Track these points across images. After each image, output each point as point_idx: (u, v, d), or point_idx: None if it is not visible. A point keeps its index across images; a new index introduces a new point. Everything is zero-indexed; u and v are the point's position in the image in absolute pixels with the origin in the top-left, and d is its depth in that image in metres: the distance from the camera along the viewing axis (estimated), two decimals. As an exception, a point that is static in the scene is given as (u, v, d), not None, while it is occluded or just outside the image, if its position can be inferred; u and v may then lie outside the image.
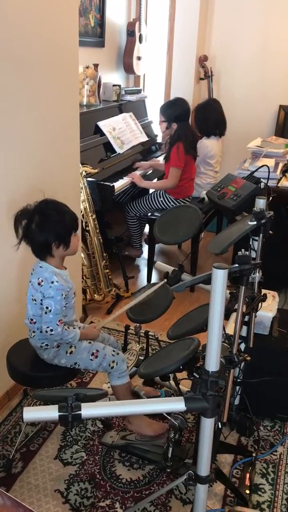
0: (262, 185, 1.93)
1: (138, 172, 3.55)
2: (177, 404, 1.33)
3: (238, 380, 2.02)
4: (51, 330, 1.80)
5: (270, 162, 3.09)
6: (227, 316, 1.99)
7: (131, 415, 2.03)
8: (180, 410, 1.33)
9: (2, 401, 2.28)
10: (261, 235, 1.80)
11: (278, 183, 3.06)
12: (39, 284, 1.81)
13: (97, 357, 1.92)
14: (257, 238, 1.84)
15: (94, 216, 2.96)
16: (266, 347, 2.13)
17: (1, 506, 1.09)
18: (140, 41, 4.10)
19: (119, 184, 3.25)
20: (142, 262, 3.88)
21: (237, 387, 2.12)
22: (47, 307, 1.80)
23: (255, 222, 1.69)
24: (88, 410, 1.24)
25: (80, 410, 1.22)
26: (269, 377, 2.09)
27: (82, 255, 2.97)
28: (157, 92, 4.75)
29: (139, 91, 4.27)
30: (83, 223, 2.92)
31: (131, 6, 4.18)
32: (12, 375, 1.97)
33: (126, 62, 4.11)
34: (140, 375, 1.66)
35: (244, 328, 1.96)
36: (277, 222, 1.89)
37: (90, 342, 1.95)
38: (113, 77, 4.09)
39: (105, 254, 3.09)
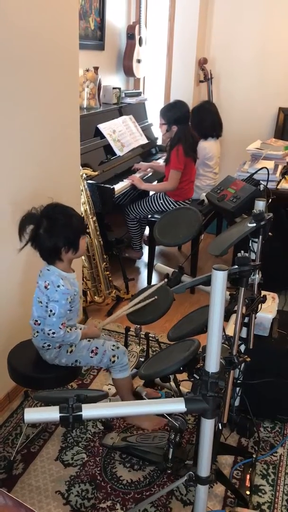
0: (261, 187, 1.94)
1: (138, 175, 3.56)
2: (178, 405, 1.33)
3: (238, 381, 2.02)
4: (53, 333, 1.81)
5: (270, 164, 3.10)
6: (227, 318, 2.00)
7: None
8: (181, 411, 1.33)
9: (3, 403, 2.29)
10: (260, 236, 1.81)
11: (277, 185, 3.07)
12: (45, 287, 1.82)
13: (96, 354, 1.93)
14: (256, 239, 1.85)
15: (94, 218, 2.97)
16: (266, 348, 2.14)
17: (3, 506, 1.09)
18: (140, 44, 4.11)
19: (119, 187, 3.26)
20: (142, 264, 3.89)
21: (237, 389, 2.13)
22: (51, 310, 1.81)
23: (254, 224, 1.70)
24: (89, 411, 1.25)
25: (81, 411, 1.23)
26: (269, 378, 2.09)
27: (83, 257, 2.98)
28: (157, 95, 4.76)
29: (139, 94, 4.28)
30: (84, 225, 2.93)
31: (130, 9, 4.19)
32: (13, 377, 1.98)
33: (126, 65, 4.12)
34: (140, 377, 1.66)
35: (244, 329, 1.97)
36: (277, 224, 1.90)
37: (89, 340, 1.96)
38: (113, 80, 4.10)
39: (105, 256, 3.10)
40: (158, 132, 3.98)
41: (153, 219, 3.44)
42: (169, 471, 1.97)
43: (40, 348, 1.93)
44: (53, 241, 1.77)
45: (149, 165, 3.74)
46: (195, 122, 3.74)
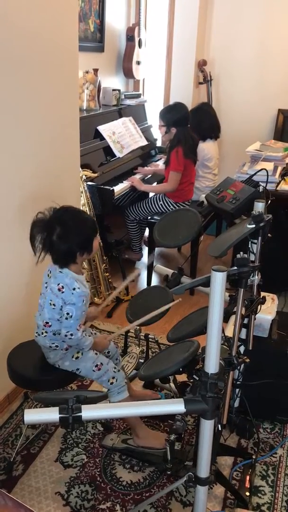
0: (260, 188, 1.94)
1: (137, 176, 3.57)
2: (177, 406, 1.34)
3: (238, 382, 2.02)
4: (71, 334, 1.80)
5: (269, 166, 3.10)
6: (226, 319, 2.00)
7: (136, 429, 2.05)
8: (180, 412, 1.34)
9: (3, 404, 2.29)
10: (259, 238, 1.81)
11: (277, 186, 3.08)
12: (59, 290, 1.79)
13: (99, 370, 1.92)
14: (256, 241, 1.85)
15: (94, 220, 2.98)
16: (265, 349, 2.14)
17: (3, 507, 1.10)
18: (140, 45, 4.12)
19: (119, 188, 3.26)
20: (142, 265, 3.89)
21: (237, 390, 2.13)
22: (68, 313, 1.79)
23: (253, 225, 1.70)
24: (89, 412, 1.25)
25: (81, 412, 1.23)
26: (268, 379, 2.09)
27: (82, 258, 2.98)
28: (157, 97, 4.77)
29: (138, 96, 4.29)
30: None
31: (130, 11, 4.20)
32: (13, 378, 1.98)
33: (126, 66, 4.13)
34: (140, 378, 1.67)
35: (244, 330, 1.97)
36: (276, 225, 1.90)
37: (96, 353, 1.96)
38: (112, 81, 4.11)
39: (105, 258, 3.10)
40: (158, 134, 3.98)
41: (152, 220, 3.44)
42: (168, 472, 1.97)
43: (46, 347, 1.91)
44: (68, 246, 1.74)
45: (151, 171, 3.74)
46: (193, 123, 3.75)
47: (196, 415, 2.03)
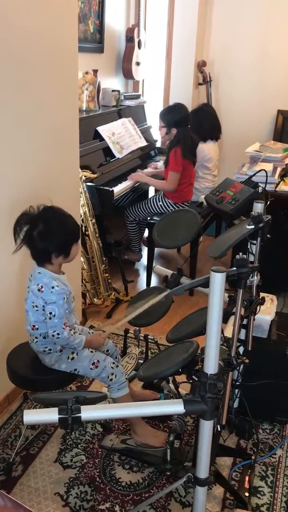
0: (260, 189, 1.95)
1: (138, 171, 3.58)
2: (176, 407, 1.34)
3: (237, 383, 2.03)
4: (58, 334, 1.81)
5: (268, 167, 3.11)
6: (225, 319, 2.00)
7: (136, 426, 2.06)
8: (179, 412, 1.34)
9: (2, 405, 2.29)
10: (259, 238, 1.82)
11: (276, 187, 3.08)
12: (39, 290, 1.81)
13: (97, 367, 1.93)
14: (255, 241, 1.85)
15: (93, 221, 2.98)
16: (264, 350, 2.14)
17: (2, 507, 1.10)
18: (139, 46, 4.13)
19: (119, 189, 3.26)
20: (142, 266, 3.90)
21: (236, 390, 2.14)
22: (50, 313, 1.80)
23: (253, 226, 1.70)
24: (88, 412, 1.25)
25: (80, 413, 1.23)
26: (268, 380, 2.09)
27: (82, 259, 2.98)
28: (156, 98, 4.78)
29: (138, 96, 4.29)
30: (83, 228, 2.93)
31: (130, 12, 4.21)
32: (12, 379, 1.98)
33: (125, 67, 4.13)
34: (139, 378, 1.67)
35: (243, 331, 1.97)
36: (275, 226, 1.90)
37: (92, 351, 1.96)
38: (112, 82, 4.11)
39: (104, 258, 3.10)
40: (157, 135, 3.99)
41: (152, 221, 3.44)
42: (168, 473, 1.97)
43: (40, 352, 1.92)
44: (45, 245, 1.77)
45: (150, 173, 3.74)
46: (194, 124, 3.75)
47: (195, 416, 2.03)
